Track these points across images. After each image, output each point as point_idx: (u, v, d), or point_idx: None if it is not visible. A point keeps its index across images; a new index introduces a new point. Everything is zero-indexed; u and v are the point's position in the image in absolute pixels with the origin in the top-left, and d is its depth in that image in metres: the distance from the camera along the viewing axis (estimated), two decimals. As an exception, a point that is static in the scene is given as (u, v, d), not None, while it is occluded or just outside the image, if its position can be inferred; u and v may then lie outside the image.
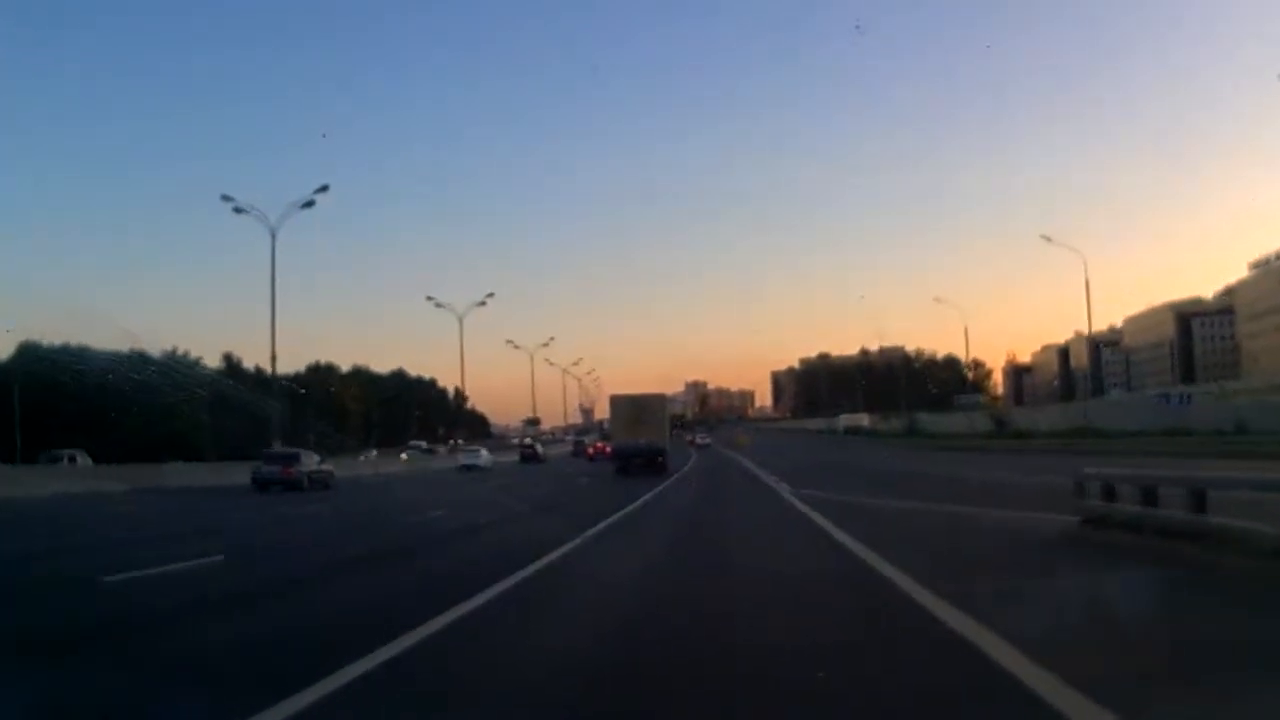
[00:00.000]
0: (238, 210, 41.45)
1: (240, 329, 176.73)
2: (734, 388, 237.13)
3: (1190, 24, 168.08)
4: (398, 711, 4.97)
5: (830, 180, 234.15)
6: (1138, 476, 10.55)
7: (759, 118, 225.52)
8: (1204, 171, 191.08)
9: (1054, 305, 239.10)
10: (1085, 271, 66.30)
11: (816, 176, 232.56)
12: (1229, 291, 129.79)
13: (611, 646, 6.44)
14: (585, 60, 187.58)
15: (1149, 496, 9.82)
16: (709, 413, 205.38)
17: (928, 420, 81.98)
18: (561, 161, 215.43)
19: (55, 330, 51.11)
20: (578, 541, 13.00)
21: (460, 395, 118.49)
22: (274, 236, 41.40)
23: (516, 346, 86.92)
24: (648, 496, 23.52)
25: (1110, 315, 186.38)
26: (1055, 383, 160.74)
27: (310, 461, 33.60)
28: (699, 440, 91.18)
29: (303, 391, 76.29)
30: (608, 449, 50.13)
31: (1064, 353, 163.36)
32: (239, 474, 33.34)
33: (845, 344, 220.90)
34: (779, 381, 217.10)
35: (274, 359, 44.80)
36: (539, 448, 71.61)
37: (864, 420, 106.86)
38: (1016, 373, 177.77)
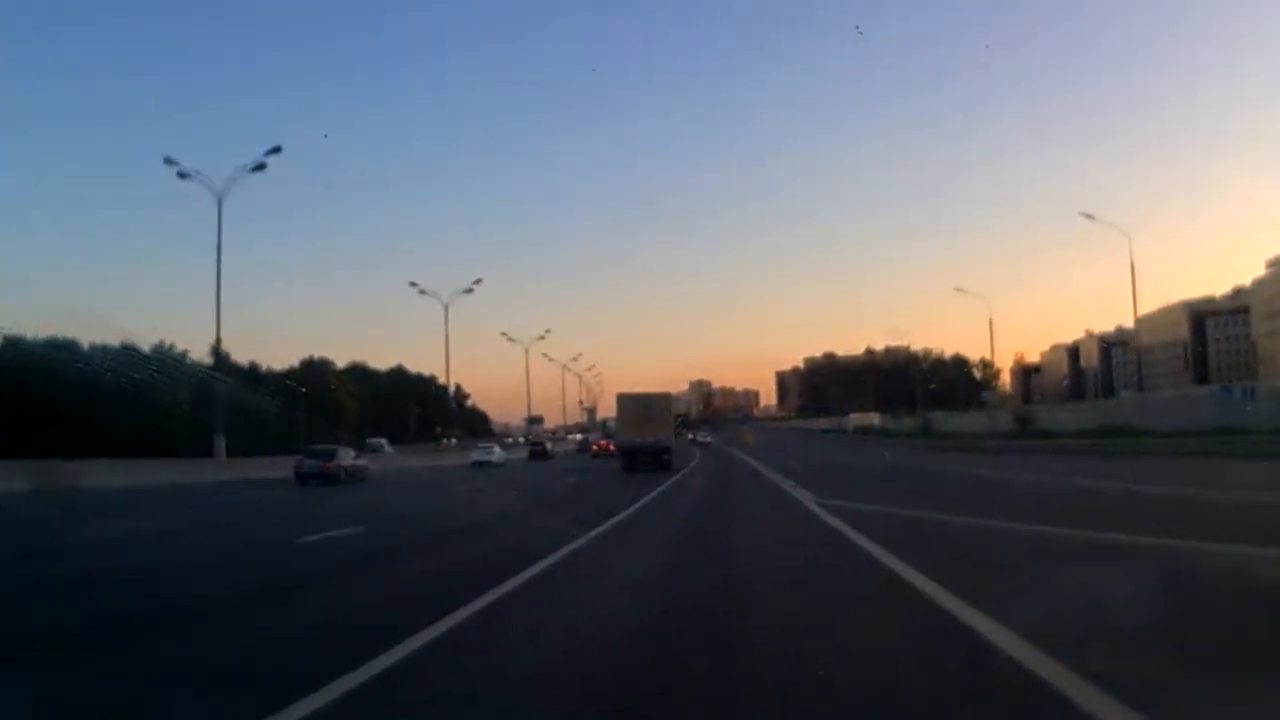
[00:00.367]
0: (182, 175, 39.59)
1: (228, 322, 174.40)
2: (738, 387, 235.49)
3: (1208, 21, 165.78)
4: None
5: (834, 180, 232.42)
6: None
7: (763, 116, 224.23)
8: (1211, 171, 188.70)
9: (1057, 306, 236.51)
10: (1130, 253, 60.67)
11: (820, 176, 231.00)
12: (1238, 292, 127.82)
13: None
14: (586, 59, 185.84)
15: None
16: (713, 412, 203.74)
17: (942, 419, 79.66)
18: (565, 160, 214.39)
19: (40, 325, 49.01)
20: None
21: (460, 393, 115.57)
22: (220, 203, 39.46)
23: (511, 339, 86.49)
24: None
25: (1117, 316, 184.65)
26: (1065, 382, 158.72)
27: (346, 457, 35.73)
28: (700, 439, 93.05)
29: (303, 390, 75.91)
30: (610, 446, 54.10)
31: (1074, 352, 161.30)
32: (216, 472, 33.86)
33: (850, 344, 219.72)
34: (784, 381, 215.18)
35: (218, 343, 43.31)
36: (548, 445, 74.53)
37: (875, 419, 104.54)
38: (1025, 373, 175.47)
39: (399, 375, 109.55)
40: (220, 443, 39.00)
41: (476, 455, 55.30)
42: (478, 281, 66.90)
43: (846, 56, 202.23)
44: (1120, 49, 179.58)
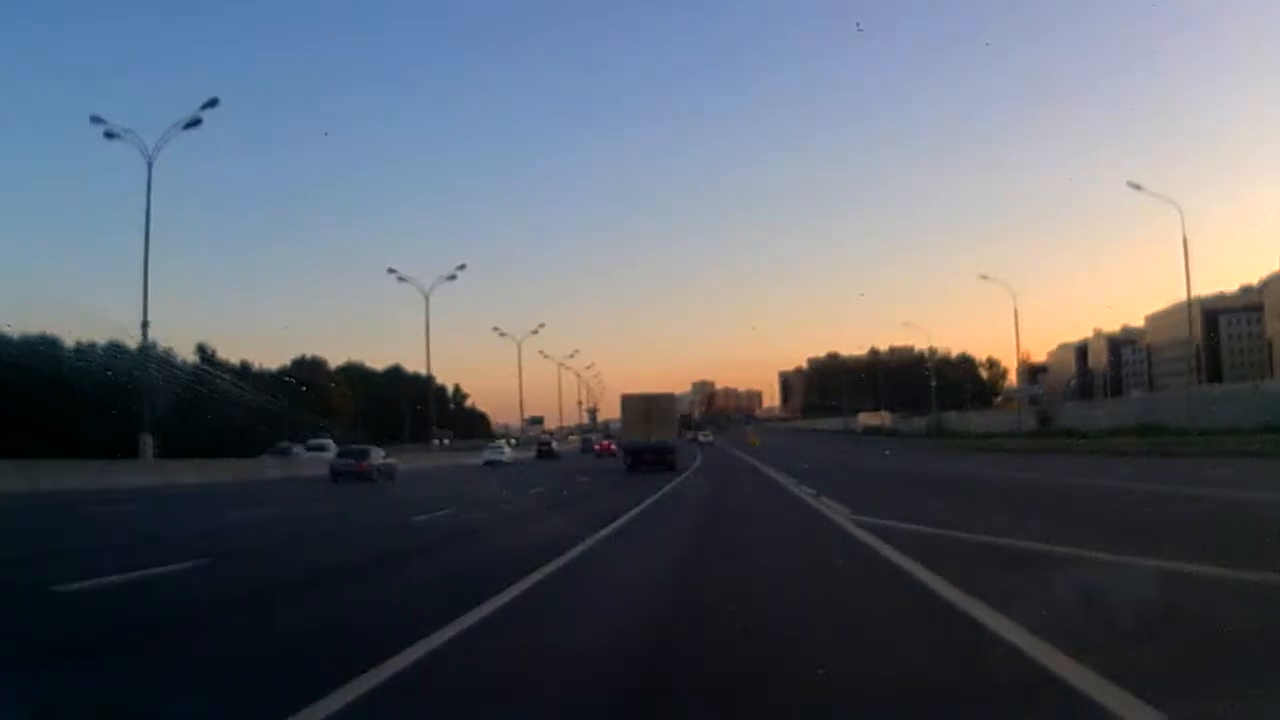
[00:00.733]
0: (109, 135, 35.93)
1: (229, 322, 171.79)
2: (741, 388, 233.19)
3: (1223, 8, 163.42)
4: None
5: (836, 180, 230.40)
6: None
7: (764, 116, 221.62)
8: (1213, 171, 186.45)
9: (1061, 306, 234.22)
10: (1183, 227, 55.57)
11: (822, 176, 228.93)
12: (1249, 289, 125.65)
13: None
14: (587, 59, 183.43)
15: None
16: (716, 412, 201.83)
17: (956, 419, 77.18)
18: (566, 161, 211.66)
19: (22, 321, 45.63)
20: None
21: (459, 393, 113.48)
22: (150, 166, 35.63)
23: (502, 334, 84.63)
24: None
25: (1123, 315, 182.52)
26: (1072, 382, 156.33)
27: (378, 456, 36.79)
28: (701, 438, 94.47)
29: (303, 389, 74.73)
30: (612, 446, 59.89)
31: (1082, 351, 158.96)
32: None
33: (852, 344, 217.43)
34: (788, 381, 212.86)
35: (145, 323, 37.14)
36: (554, 444, 77.04)
37: (884, 419, 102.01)
38: (1031, 372, 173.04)
39: (395, 375, 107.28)
40: (146, 441, 34.47)
41: (488, 455, 57.96)
42: (461, 267, 63.87)
43: (848, 54, 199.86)
44: (1105, 49, 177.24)
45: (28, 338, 41.84)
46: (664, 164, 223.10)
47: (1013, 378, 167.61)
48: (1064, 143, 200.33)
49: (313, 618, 7.01)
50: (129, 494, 25.77)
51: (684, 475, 32.34)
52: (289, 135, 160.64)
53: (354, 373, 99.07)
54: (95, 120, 36.36)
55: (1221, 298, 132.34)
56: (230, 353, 73.63)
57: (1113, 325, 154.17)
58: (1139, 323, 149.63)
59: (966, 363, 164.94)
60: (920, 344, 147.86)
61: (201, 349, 71.82)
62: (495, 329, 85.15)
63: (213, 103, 36.25)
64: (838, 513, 14.47)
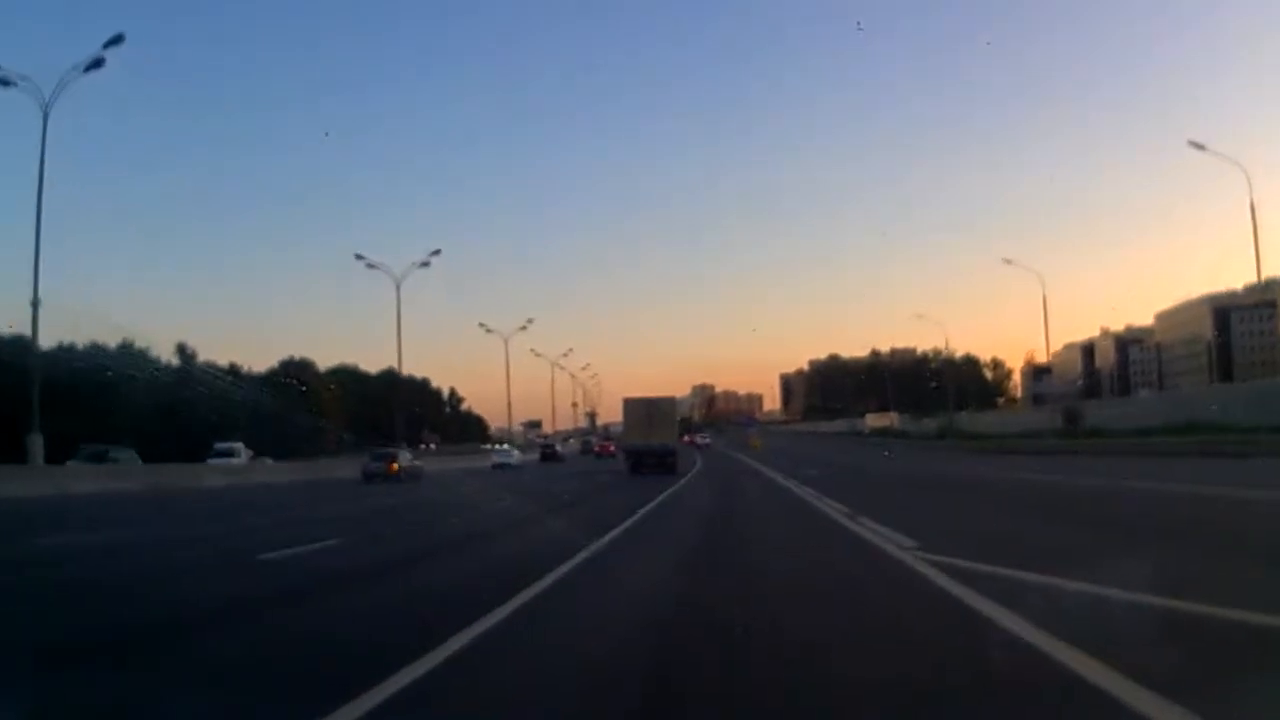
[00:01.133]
0: (4, 83, 31.68)
1: (226, 322, 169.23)
2: (741, 391, 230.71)
3: (1223, 8, 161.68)
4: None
5: (836, 180, 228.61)
6: None
7: (764, 116, 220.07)
8: (1216, 171, 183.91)
9: (1062, 306, 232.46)
10: (1251, 192, 50.07)
11: (822, 176, 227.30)
12: (1263, 286, 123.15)
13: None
14: (587, 59, 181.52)
15: None
16: (717, 415, 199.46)
17: (968, 419, 74.75)
18: (566, 162, 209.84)
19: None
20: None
21: (455, 397, 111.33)
22: (46, 116, 31.55)
23: (489, 330, 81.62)
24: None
25: (1128, 315, 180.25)
26: (1079, 382, 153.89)
27: (405, 459, 39.13)
28: (699, 440, 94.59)
29: (303, 389, 75.62)
30: (611, 448, 63.79)
31: (1088, 350, 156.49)
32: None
33: (853, 346, 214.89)
34: (789, 384, 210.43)
35: (35, 302, 30.74)
36: (558, 448, 79.55)
37: (892, 421, 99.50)
38: (1035, 373, 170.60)
39: (389, 378, 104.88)
40: (36, 442, 29.77)
41: (497, 457, 60.26)
42: (436, 253, 58.23)
43: (848, 54, 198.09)
44: (1104, 48, 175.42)
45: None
46: (664, 164, 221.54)
47: (1017, 378, 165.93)
48: (1064, 143, 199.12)
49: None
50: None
51: (686, 478, 31.60)
52: (289, 135, 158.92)
53: (345, 375, 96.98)
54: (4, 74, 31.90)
55: (1233, 295, 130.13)
56: (220, 355, 71.77)
57: (1117, 325, 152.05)
58: (1141, 322, 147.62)
59: (970, 363, 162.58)
60: (924, 344, 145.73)
61: (182, 349, 69.42)
62: (481, 325, 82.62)
63: (117, 39, 32.46)
64: (890, 541, 9.92)
